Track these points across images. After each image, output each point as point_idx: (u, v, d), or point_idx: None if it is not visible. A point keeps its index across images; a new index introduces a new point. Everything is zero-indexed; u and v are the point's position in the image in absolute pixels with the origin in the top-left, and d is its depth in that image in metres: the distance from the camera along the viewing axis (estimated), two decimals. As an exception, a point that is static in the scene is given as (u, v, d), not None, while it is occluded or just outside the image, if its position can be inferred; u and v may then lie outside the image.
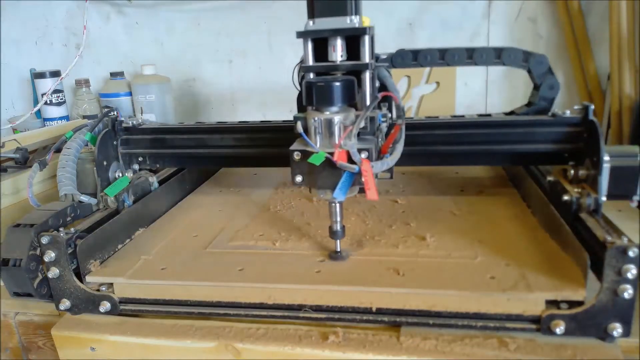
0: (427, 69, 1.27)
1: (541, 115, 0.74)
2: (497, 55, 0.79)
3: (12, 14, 1.50)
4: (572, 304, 0.52)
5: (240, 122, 0.82)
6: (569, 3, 1.14)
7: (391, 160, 0.58)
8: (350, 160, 0.55)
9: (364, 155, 0.55)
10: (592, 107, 0.66)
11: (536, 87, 0.78)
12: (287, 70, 1.46)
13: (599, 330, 0.50)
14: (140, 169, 0.82)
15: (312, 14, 0.59)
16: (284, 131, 0.78)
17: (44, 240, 0.59)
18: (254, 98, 1.41)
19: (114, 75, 1.40)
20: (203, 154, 0.81)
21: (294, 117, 0.59)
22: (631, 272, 0.48)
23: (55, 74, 1.40)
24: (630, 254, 0.48)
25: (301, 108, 0.65)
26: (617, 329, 0.49)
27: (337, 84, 0.55)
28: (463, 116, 0.79)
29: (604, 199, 0.60)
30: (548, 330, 0.51)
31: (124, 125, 0.80)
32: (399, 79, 1.28)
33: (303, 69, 0.61)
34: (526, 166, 0.81)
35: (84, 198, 0.70)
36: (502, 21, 1.23)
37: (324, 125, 0.56)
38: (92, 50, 1.47)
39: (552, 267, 0.56)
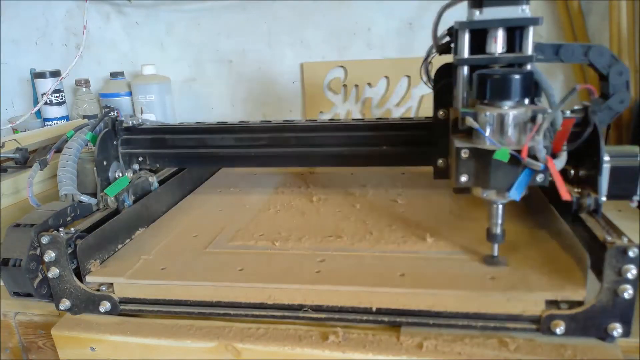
0: (427, 69, 1.27)
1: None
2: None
3: (12, 13, 1.50)
4: (572, 304, 0.52)
5: (240, 121, 0.83)
6: (569, 3, 1.14)
7: (564, 158, 0.54)
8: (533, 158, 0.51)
9: (545, 152, 0.52)
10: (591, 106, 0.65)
11: (602, 78, 0.72)
12: (287, 70, 1.46)
13: (599, 331, 0.50)
14: (140, 169, 0.82)
15: (479, 3, 0.55)
16: (284, 131, 0.78)
17: (44, 240, 0.59)
18: (254, 98, 1.41)
19: (114, 75, 1.40)
20: (203, 154, 0.81)
21: (462, 112, 0.55)
22: (631, 272, 0.48)
23: (55, 74, 1.40)
24: (630, 254, 0.48)
25: (438, 105, 0.63)
26: (617, 329, 0.49)
27: (517, 77, 0.52)
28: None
29: (604, 199, 0.60)
30: (548, 330, 0.51)
31: (124, 125, 0.80)
32: (399, 79, 1.28)
33: (458, 61, 0.57)
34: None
35: (84, 198, 0.70)
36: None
37: (498, 121, 0.53)
38: (92, 50, 1.47)
39: (552, 267, 0.56)
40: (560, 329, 0.50)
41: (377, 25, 1.28)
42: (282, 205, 0.83)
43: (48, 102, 1.37)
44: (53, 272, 0.60)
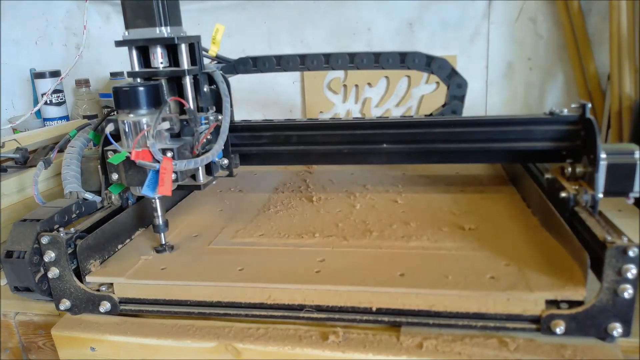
0: (427, 69, 1.27)
1: (454, 113, 0.80)
2: (351, 60, 0.84)
3: (12, 14, 1.50)
4: (572, 303, 0.52)
5: (242, 120, 0.83)
6: (569, 3, 1.14)
7: (202, 159, 0.62)
8: (155, 159, 0.59)
9: (169, 154, 0.59)
10: (589, 105, 0.67)
11: (444, 105, 0.84)
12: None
13: (599, 330, 0.50)
14: None
15: (126, 25, 0.65)
16: (286, 129, 0.79)
17: (44, 240, 0.59)
18: (254, 98, 1.41)
19: (114, 75, 1.40)
20: None
21: (106, 120, 0.66)
22: (631, 271, 0.48)
23: (55, 74, 1.40)
24: (630, 253, 0.48)
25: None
26: (617, 328, 0.49)
27: (139, 88, 0.61)
28: (461, 115, 0.79)
29: (600, 195, 0.61)
30: (548, 330, 0.51)
31: None
32: (399, 79, 1.28)
33: (129, 74, 0.68)
34: (525, 165, 0.82)
35: (89, 195, 0.71)
36: (502, 21, 1.23)
37: (132, 127, 0.61)
38: (92, 50, 1.47)
39: (552, 267, 0.56)
40: (560, 328, 0.50)
41: (377, 25, 1.28)
42: (282, 205, 0.83)
43: (48, 102, 1.37)
44: (53, 272, 0.60)
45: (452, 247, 0.64)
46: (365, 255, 0.63)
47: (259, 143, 0.79)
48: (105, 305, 0.61)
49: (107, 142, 0.63)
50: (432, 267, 0.59)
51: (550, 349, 0.50)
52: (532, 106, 1.25)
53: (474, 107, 1.28)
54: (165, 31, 0.64)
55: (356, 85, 1.31)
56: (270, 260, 0.63)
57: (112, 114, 0.80)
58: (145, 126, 0.61)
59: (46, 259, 0.60)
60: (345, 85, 1.31)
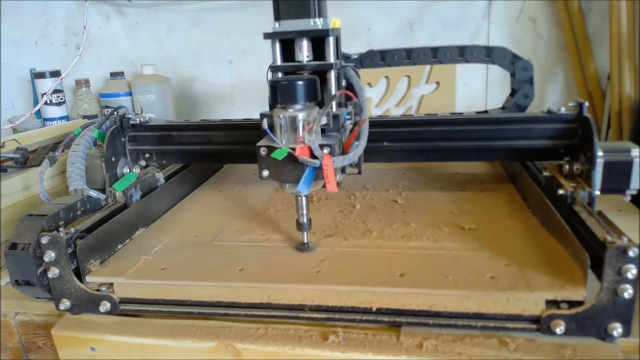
0: (427, 69, 1.27)
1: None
2: (460, 53, 0.82)
3: (12, 14, 1.50)
4: (572, 303, 0.52)
5: (244, 119, 0.84)
6: (569, 3, 1.14)
7: (353, 155, 0.60)
8: (313, 155, 0.57)
9: (326, 150, 0.57)
10: (586, 104, 0.68)
11: (512, 93, 0.82)
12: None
13: (599, 330, 0.50)
14: (146, 165, 0.84)
15: (278, 16, 0.62)
16: None
17: (44, 240, 0.59)
18: (254, 98, 1.41)
19: (114, 75, 1.40)
20: (208, 151, 0.83)
21: (260, 115, 0.62)
22: (631, 272, 0.48)
23: (55, 74, 1.40)
24: (630, 253, 0.48)
25: (273, 106, 0.67)
26: (617, 328, 0.49)
27: (300, 82, 0.58)
28: (461, 113, 0.79)
29: (597, 193, 0.62)
30: (548, 330, 0.51)
31: (131, 122, 0.82)
32: (399, 79, 1.28)
33: (272, 68, 0.65)
34: (524, 164, 0.82)
35: (93, 193, 0.72)
36: (502, 21, 1.23)
37: (288, 122, 0.59)
38: (92, 50, 1.47)
39: (552, 267, 0.56)
40: (560, 328, 0.50)
41: (377, 25, 1.28)
42: (282, 205, 0.82)
43: (48, 102, 1.37)
44: (53, 272, 0.60)
45: (452, 247, 0.64)
46: (365, 255, 0.63)
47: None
48: (105, 305, 0.61)
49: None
50: (432, 267, 0.59)
51: (550, 349, 0.50)
52: (532, 106, 1.25)
53: (474, 107, 1.28)
54: (318, 22, 0.61)
55: (356, 85, 1.31)
56: (270, 260, 0.63)
57: (114, 113, 0.81)
58: (303, 122, 0.59)
59: (46, 258, 0.60)
60: (345, 85, 1.31)
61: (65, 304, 0.61)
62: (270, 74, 0.67)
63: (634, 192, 0.64)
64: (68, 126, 1.14)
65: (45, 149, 0.97)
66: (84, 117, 1.38)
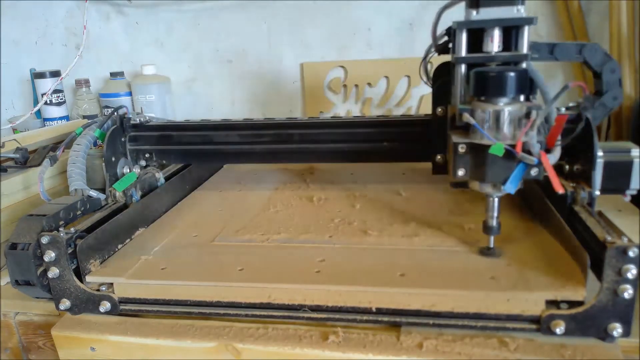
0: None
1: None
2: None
3: (12, 14, 1.50)
4: (572, 304, 0.52)
5: (244, 119, 0.84)
6: (569, 3, 1.14)
7: (558, 153, 0.55)
8: (528, 153, 0.53)
9: (537, 147, 0.53)
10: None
11: (596, 76, 0.74)
12: (287, 70, 1.46)
13: (599, 331, 0.50)
14: (146, 165, 0.84)
15: (476, 3, 0.57)
16: (288, 127, 0.80)
17: (44, 240, 0.59)
18: (254, 98, 1.41)
19: (113, 75, 1.40)
20: (208, 150, 0.83)
21: (460, 109, 0.56)
22: (631, 272, 0.48)
23: (55, 74, 1.39)
24: (630, 253, 0.48)
25: (438, 102, 0.64)
26: (617, 329, 0.49)
27: (512, 74, 0.53)
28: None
29: (597, 193, 0.62)
30: (548, 330, 0.51)
31: (132, 122, 0.82)
32: (398, 80, 1.28)
33: (457, 60, 0.59)
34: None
35: (93, 193, 0.72)
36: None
37: (493, 117, 0.54)
38: (92, 50, 1.47)
39: (552, 267, 0.56)
40: (560, 328, 0.50)
41: (377, 25, 1.28)
42: (282, 205, 0.82)
43: (48, 102, 1.37)
44: (53, 272, 0.60)
45: (452, 247, 0.64)
46: (365, 255, 0.63)
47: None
48: (106, 305, 0.61)
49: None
50: (432, 266, 0.59)
51: (550, 349, 0.50)
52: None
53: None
54: (522, 10, 0.56)
55: (356, 85, 1.31)
56: (270, 260, 0.63)
57: (115, 113, 0.81)
58: (510, 117, 0.54)
59: (46, 258, 0.60)
60: (345, 85, 1.31)
61: (65, 304, 0.61)
62: (422, 67, 0.65)
63: (634, 192, 0.64)
64: (68, 126, 1.14)
65: (45, 149, 0.97)
66: (84, 117, 1.38)
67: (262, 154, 0.81)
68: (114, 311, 0.61)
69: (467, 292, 0.53)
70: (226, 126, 0.82)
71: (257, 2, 1.33)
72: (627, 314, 0.49)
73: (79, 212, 0.69)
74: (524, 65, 0.58)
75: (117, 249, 0.68)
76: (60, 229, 0.62)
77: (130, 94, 1.38)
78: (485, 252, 0.62)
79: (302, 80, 1.35)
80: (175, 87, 1.42)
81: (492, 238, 0.61)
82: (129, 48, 1.46)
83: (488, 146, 0.53)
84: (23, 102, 1.59)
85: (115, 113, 0.81)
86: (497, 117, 0.54)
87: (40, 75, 1.40)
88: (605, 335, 0.50)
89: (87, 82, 1.40)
